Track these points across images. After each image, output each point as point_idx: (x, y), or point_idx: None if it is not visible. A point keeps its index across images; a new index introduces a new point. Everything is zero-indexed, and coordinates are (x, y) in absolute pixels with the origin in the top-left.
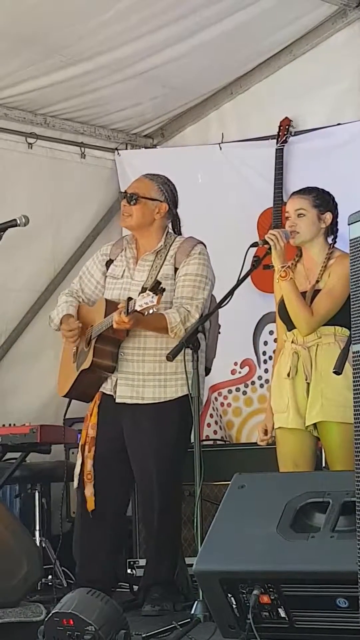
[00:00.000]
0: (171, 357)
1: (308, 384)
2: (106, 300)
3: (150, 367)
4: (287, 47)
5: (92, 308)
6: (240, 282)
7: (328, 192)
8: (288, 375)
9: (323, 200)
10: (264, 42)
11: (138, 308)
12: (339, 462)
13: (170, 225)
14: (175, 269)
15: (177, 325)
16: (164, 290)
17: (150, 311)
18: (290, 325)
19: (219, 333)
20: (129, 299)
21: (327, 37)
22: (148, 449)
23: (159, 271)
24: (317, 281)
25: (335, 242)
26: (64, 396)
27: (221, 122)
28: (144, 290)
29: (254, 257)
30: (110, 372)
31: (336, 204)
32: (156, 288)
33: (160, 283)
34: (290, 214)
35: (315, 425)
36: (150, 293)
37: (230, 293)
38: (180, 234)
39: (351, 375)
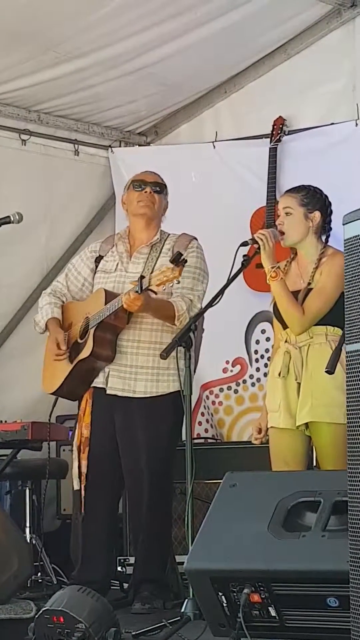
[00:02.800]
0: (165, 355)
1: (299, 383)
2: (105, 290)
3: (143, 360)
4: (281, 46)
5: (87, 300)
6: (230, 281)
7: (320, 191)
8: (279, 374)
9: (312, 199)
10: (258, 41)
11: (156, 282)
12: (329, 462)
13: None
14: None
15: (183, 313)
16: (185, 262)
17: (170, 284)
18: (284, 325)
19: (202, 331)
20: (141, 277)
21: (322, 37)
22: (139, 444)
23: (155, 263)
24: (310, 282)
25: (328, 240)
26: (53, 393)
27: (215, 120)
28: (143, 276)
29: (244, 256)
30: (108, 362)
31: (329, 203)
32: (177, 259)
33: (181, 254)
34: (280, 212)
35: (307, 424)
36: (172, 265)
37: (221, 292)
38: None
39: (340, 375)
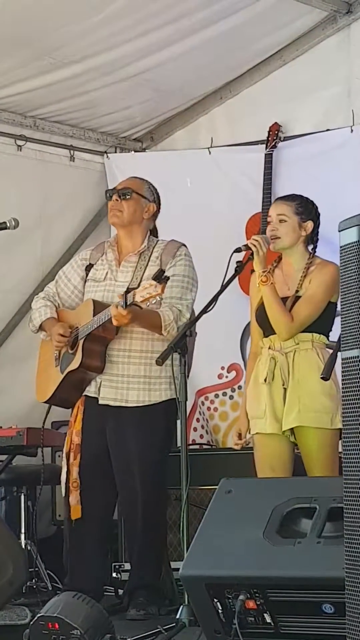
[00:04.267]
0: (161, 361)
1: (285, 389)
2: (94, 301)
3: (135, 369)
4: (277, 53)
5: (76, 310)
6: (223, 287)
7: (312, 202)
8: (265, 380)
9: (306, 209)
10: (254, 47)
11: (140, 299)
12: (317, 468)
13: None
14: (161, 270)
15: (170, 323)
16: (167, 279)
17: (153, 301)
18: (268, 331)
19: (195, 334)
20: (127, 292)
21: (317, 43)
22: (131, 453)
23: (144, 272)
24: (297, 289)
25: (315, 251)
26: (46, 402)
27: (211, 126)
28: (129, 290)
29: (237, 262)
30: (98, 373)
31: (319, 214)
32: (160, 277)
33: (164, 272)
34: (272, 218)
35: (292, 430)
36: (154, 282)
37: (215, 299)
38: None
39: (328, 382)
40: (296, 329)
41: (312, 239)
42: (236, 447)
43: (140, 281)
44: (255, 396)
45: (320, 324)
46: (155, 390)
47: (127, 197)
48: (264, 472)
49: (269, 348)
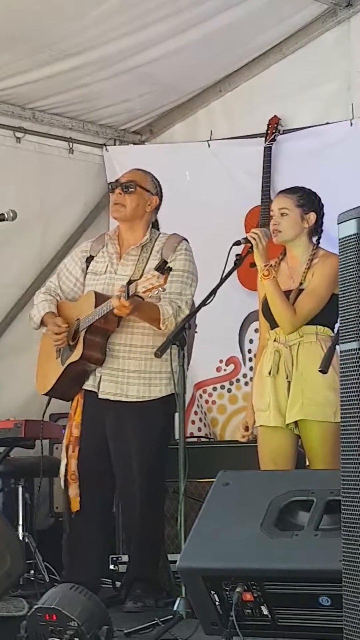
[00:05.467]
0: (159, 353)
1: (289, 382)
2: (95, 292)
3: (135, 364)
4: (276, 46)
5: (78, 302)
6: (222, 280)
7: (314, 193)
8: (269, 373)
9: (307, 200)
10: (253, 41)
11: (142, 289)
12: (319, 461)
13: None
14: (164, 261)
15: (169, 317)
16: (170, 269)
17: (155, 292)
18: (273, 324)
19: (196, 326)
20: (129, 282)
21: (317, 36)
22: (130, 448)
23: (145, 264)
24: (301, 282)
25: (319, 242)
26: (46, 394)
27: (210, 119)
28: (131, 281)
29: (237, 255)
30: (98, 365)
31: (322, 205)
32: (163, 267)
33: (167, 262)
34: (274, 212)
35: (296, 423)
36: (157, 273)
37: (213, 292)
38: None
39: (331, 374)
40: (300, 322)
41: (316, 230)
42: (243, 439)
43: (142, 274)
44: (260, 389)
45: (325, 317)
46: (155, 386)
47: (131, 190)
48: (266, 464)
49: (274, 341)
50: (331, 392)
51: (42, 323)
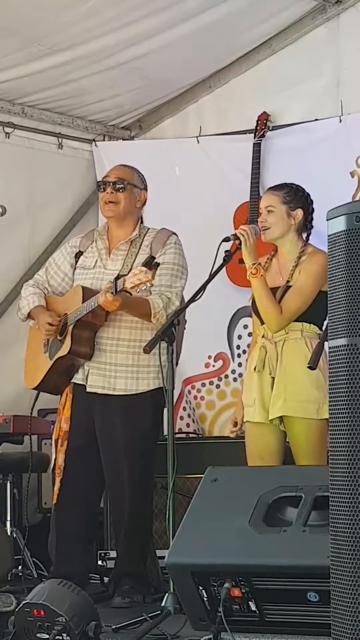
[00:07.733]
0: (148, 349)
1: (273, 378)
2: (83, 287)
3: (123, 357)
4: (266, 42)
5: (65, 297)
6: (211, 277)
7: (302, 189)
8: (255, 369)
9: (294, 197)
10: (243, 36)
11: (130, 285)
12: (304, 457)
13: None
14: (151, 257)
15: (160, 310)
16: (158, 265)
17: (143, 287)
18: (262, 320)
19: (185, 322)
20: (117, 278)
21: (307, 33)
22: (118, 441)
23: (134, 259)
24: (289, 280)
25: (308, 238)
26: (35, 388)
27: (199, 115)
28: (119, 277)
29: (226, 251)
30: (87, 359)
31: (311, 201)
32: (150, 263)
33: (154, 258)
34: (262, 210)
35: (281, 419)
36: (144, 268)
37: (203, 288)
38: None
39: (315, 371)
40: (286, 321)
41: (306, 226)
42: (231, 434)
43: (131, 268)
44: (248, 385)
45: (311, 314)
46: (143, 379)
47: (122, 189)
48: (253, 460)
49: (262, 337)
50: (315, 389)
51: (30, 316)
